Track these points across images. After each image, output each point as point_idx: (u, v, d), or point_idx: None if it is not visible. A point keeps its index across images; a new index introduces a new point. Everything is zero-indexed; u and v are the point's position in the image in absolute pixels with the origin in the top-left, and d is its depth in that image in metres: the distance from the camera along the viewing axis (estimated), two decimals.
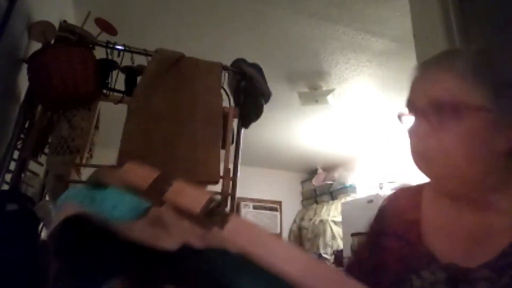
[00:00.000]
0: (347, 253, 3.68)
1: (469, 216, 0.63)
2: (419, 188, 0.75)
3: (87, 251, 0.39)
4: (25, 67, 1.45)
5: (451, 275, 0.59)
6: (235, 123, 1.80)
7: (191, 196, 0.35)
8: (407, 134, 0.66)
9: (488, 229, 0.60)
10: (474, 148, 0.58)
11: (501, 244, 0.58)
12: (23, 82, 1.48)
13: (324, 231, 4.62)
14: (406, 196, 0.76)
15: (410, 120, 0.65)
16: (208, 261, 0.35)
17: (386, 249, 0.70)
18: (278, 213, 5.31)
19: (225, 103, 1.74)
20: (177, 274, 0.40)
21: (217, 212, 0.35)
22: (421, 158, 0.63)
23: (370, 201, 3.60)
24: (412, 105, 0.64)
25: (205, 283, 0.38)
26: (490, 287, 0.55)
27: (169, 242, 0.33)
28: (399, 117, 0.68)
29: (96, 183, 0.40)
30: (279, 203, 5.38)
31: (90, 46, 1.58)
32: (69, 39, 1.52)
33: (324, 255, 4.37)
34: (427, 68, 0.65)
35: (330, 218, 4.64)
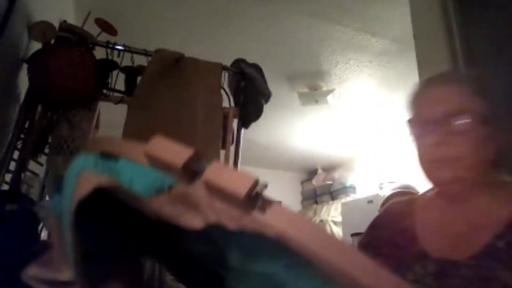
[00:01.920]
0: None
1: (457, 216, 0.72)
2: (411, 201, 0.86)
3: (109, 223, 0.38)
4: (25, 67, 1.45)
5: (440, 267, 0.67)
6: (235, 123, 1.80)
7: (234, 178, 0.33)
8: (416, 143, 0.76)
9: (474, 226, 0.69)
10: (478, 154, 0.69)
11: (486, 238, 0.66)
12: (23, 82, 1.48)
13: None
14: (398, 209, 0.86)
15: (419, 130, 0.75)
16: (239, 243, 0.34)
17: (383, 255, 0.75)
18: None
19: (225, 103, 1.74)
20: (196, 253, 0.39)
21: (259, 197, 0.33)
22: (434, 164, 0.72)
23: (370, 201, 3.60)
24: (424, 118, 0.74)
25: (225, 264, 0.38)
26: (474, 275, 0.63)
27: (195, 220, 0.32)
28: (407, 124, 0.78)
29: (107, 153, 0.38)
30: (279, 203, 5.38)
31: (90, 46, 1.58)
32: (69, 39, 1.52)
33: None
34: (437, 86, 0.77)
35: (330, 219, 4.64)
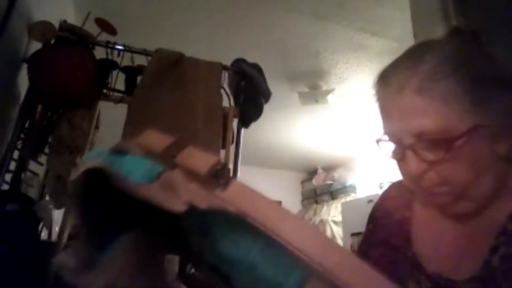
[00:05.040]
0: None
1: (458, 225, 0.59)
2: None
3: (101, 205, 0.42)
4: (25, 67, 1.45)
5: (437, 286, 0.55)
6: (235, 123, 1.80)
7: (200, 159, 0.38)
8: (394, 162, 0.61)
9: (474, 238, 0.56)
10: (478, 168, 0.52)
11: (484, 253, 0.53)
12: (23, 82, 1.48)
13: (324, 231, 4.62)
14: (398, 195, 0.71)
15: (394, 150, 0.58)
16: (208, 221, 0.38)
17: (376, 254, 0.67)
18: None
19: (225, 103, 1.74)
20: (180, 237, 0.43)
21: (222, 175, 0.37)
22: (420, 191, 0.57)
23: (370, 201, 3.59)
24: (395, 139, 0.56)
25: (202, 246, 0.41)
26: None
27: (177, 204, 0.35)
28: (378, 142, 0.61)
29: (117, 150, 0.42)
30: (279, 203, 5.37)
31: (90, 46, 1.58)
32: (69, 39, 1.52)
33: None
34: (399, 92, 0.54)
35: (330, 218, 4.64)
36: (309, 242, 0.32)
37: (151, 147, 0.40)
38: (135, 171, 0.39)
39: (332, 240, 0.33)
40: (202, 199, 0.35)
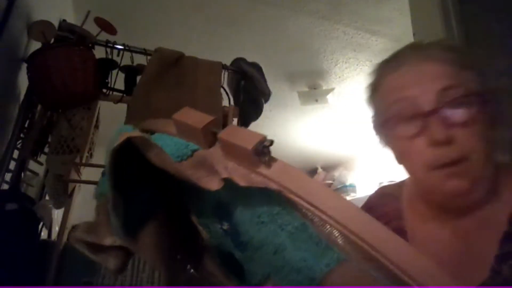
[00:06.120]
0: None
1: (457, 229, 0.55)
2: (397, 193, 0.67)
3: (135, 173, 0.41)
4: (24, 66, 1.45)
5: None
6: (234, 122, 1.80)
7: (245, 135, 0.36)
8: (400, 145, 0.59)
9: (477, 244, 0.52)
10: (486, 145, 0.51)
11: (489, 260, 0.50)
12: (23, 82, 1.48)
13: None
14: (385, 203, 0.67)
15: (401, 128, 0.57)
16: (236, 203, 0.37)
17: None
18: None
19: (225, 103, 1.74)
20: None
21: (267, 152, 0.36)
22: (441, 171, 0.52)
23: None
24: (414, 109, 0.54)
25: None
26: None
27: (213, 181, 0.35)
28: (385, 124, 0.60)
29: (145, 129, 0.43)
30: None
31: (90, 45, 1.57)
32: (69, 39, 1.51)
33: None
34: (418, 64, 0.56)
35: None
36: (354, 219, 0.32)
37: (191, 123, 0.39)
38: (166, 148, 0.39)
39: (375, 220, 0.32)
40: (242, 176, 0.35)
